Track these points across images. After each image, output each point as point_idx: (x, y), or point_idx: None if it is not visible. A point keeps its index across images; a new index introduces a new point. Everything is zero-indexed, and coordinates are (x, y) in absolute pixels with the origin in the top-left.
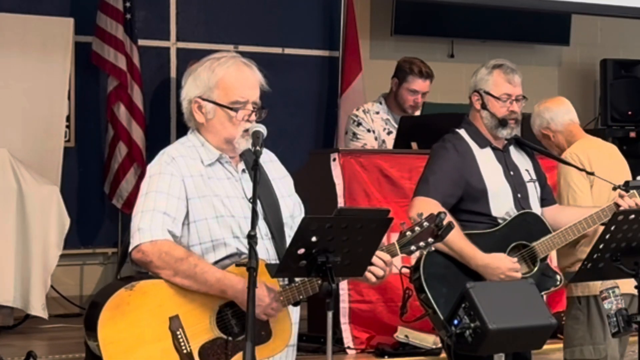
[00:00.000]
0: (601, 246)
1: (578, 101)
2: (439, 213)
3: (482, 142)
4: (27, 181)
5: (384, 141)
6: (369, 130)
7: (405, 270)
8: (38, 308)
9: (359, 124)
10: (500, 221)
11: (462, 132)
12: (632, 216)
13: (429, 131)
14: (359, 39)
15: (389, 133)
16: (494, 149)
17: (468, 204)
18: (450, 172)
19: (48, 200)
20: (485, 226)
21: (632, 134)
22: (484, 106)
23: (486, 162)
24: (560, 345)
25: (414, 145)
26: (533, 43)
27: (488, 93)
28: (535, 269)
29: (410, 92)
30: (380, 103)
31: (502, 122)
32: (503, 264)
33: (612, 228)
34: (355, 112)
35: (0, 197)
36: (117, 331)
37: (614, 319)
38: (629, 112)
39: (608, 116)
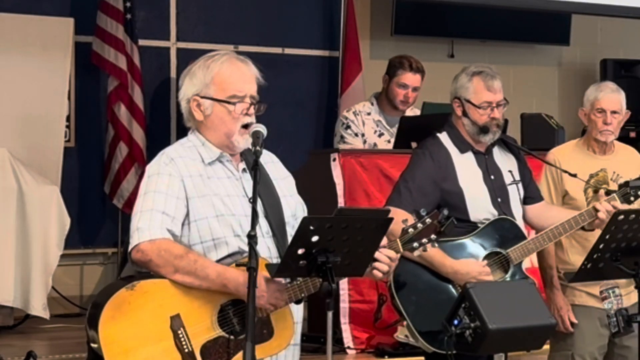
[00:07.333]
0: (601, 246)
1: (578, 101)
2: (442, 209)
3: (464, 147)
4: (27, 181)
5: (374, 144)
6: (356, 135)
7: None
8: (39, 308)
9: (348, 127)
10: (479, 225)
11: (443, 136)
12: (632, 216)
13: (429, 131)
14: (359, 39)
15: (380, 135)
16: (476, 152)
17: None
18: (423, 182)
19: (48, 200)
20: (464, 231)
21: (632, 134)
22: (465, 113)
23: (465, 167)
24: None
25: (414, 145)
26: (533, 43)
27: (468, 101)
28: (508, 274)
29: (401, 86)
30: (372, 104)
31: (484, 129)
32: (472, 268)
33: (612, 228)
34: (345, 114)
35: (0, 197)
36: (118, 331)
37: (614, 319)
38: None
39: None
